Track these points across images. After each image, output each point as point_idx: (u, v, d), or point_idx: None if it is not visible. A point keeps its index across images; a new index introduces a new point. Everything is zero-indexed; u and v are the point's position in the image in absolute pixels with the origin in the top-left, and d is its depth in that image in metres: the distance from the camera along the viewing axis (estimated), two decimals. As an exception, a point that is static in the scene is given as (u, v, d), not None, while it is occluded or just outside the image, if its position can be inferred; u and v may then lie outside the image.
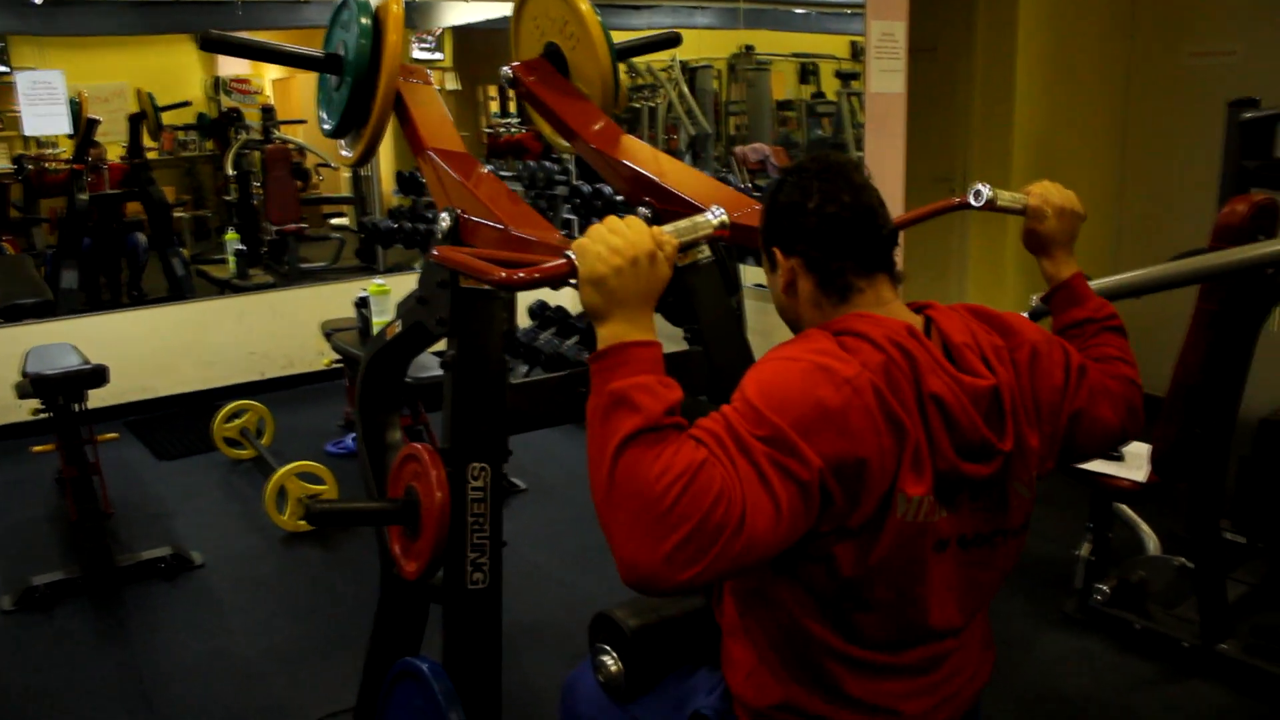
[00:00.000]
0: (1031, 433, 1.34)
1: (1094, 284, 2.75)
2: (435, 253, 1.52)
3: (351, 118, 2.10)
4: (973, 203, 1.63)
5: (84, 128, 6.33)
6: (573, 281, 1.23)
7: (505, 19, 7.70)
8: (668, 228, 1.29)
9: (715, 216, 1.34)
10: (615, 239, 1.21)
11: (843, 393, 1.17)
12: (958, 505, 1.29)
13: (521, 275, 1.28)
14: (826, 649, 1.31)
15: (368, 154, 2.12)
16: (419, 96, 2.17)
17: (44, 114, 5.32)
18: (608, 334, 1.20)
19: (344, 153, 2.22)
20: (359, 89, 2.05)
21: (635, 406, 1.14)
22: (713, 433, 1.16)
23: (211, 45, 2.07)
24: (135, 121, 7.18)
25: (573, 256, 1.22)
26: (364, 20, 2.02)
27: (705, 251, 2.12)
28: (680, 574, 1.08)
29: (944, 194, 5.19)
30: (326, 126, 2.19)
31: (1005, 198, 1.63)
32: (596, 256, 1.20)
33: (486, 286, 1.86)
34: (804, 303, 1.35)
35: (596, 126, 2.16)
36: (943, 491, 1.26)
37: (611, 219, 1.24)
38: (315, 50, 2.17)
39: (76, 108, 6.14)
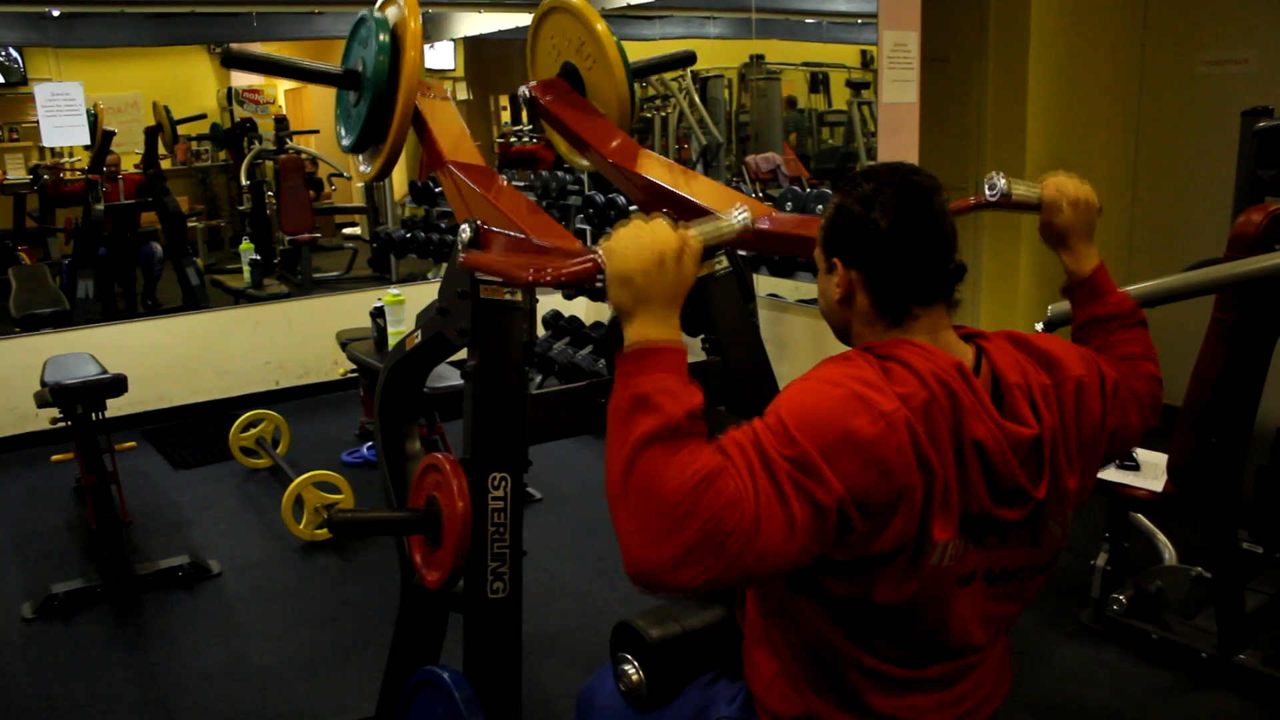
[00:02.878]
0: (1071, 476, 1.31)
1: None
2: (462, 258, 1.54)
3: (370, 134, 2.12)
4: (988, 195, 1.59)
5: (100, 139, 6.38)
6: (600, 281, 1.24)
7: (517, 29, 7.68)
8: (692, 228, 1.29)
9: (739, 218, 1.35)
10: (642, 237, 1.21)
11: (877, 426, 1.16)
12: (987, 543, 1.28)
13: (549, 273, 1.29)
14: (849, 661, 1.31)
15: (386, 169, 2.14)
16: (437, 111, 2.19)
17: (63, 125, 5.35)
18: (634, 334, 1.21)
19: (362, 168, 2.24)
20: (377, 105, 2.07)
21: (657, 408, 1.14)
22: (739, 444, 1.16)
23: (232, 61, 2.09)
24: (151, 134, 7.23)
25: (599, 256, 1.23)
26: (382, 37, 2.04)
27: (723, 261, 2.13)
28: (683, 576, 1.09)
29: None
30: (345, 142, 2.21)
31: (1020, 190, 1.60)
32: (623, 255, 1.20)
33: (508, 296, 1.88)
34: (858, 317, 1.32)
35: (615, 143, 2.17)
36: (971, 530, 1.25)
37: (636, 219, 1.24)
38: (334, 66, 2.19)
39: (93, 119, 6.18)
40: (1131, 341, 1.58)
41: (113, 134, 6.57)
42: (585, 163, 2.37)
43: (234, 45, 2.13)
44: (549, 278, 1.28)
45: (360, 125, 2.10)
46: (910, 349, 1.25)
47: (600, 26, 2.24)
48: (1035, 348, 1.36)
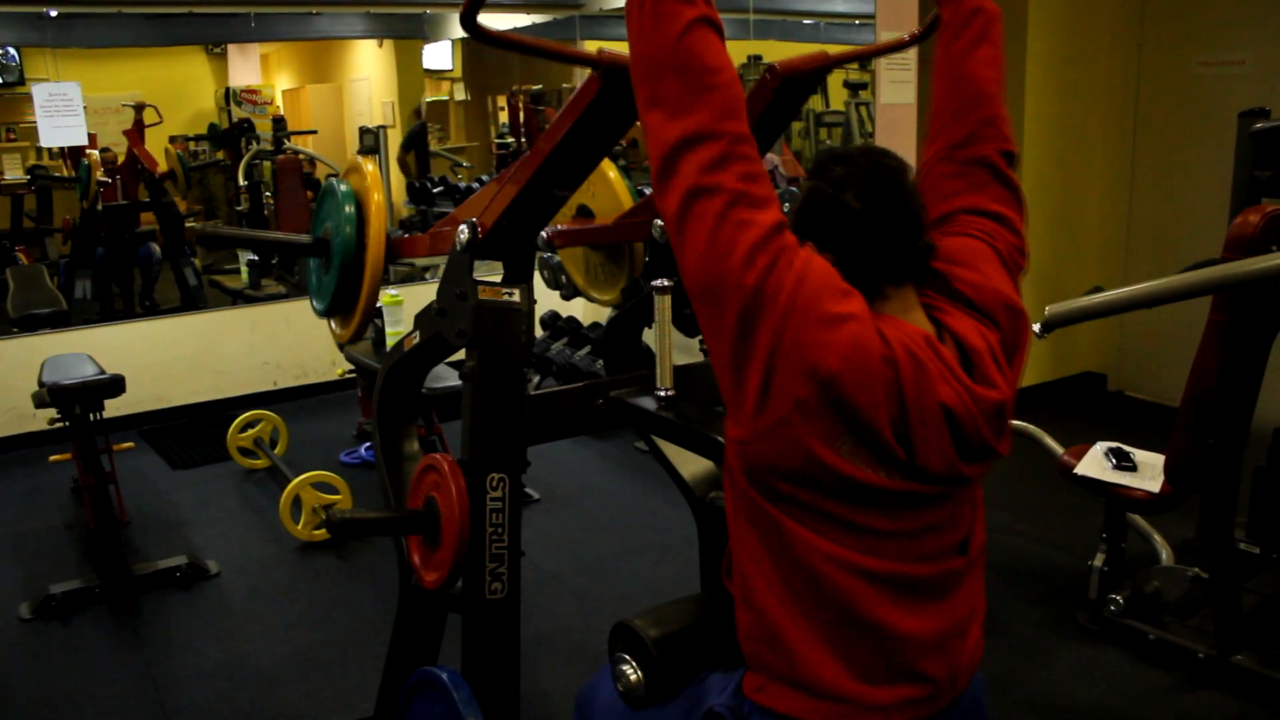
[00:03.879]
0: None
1: (1107, 295, 2.78)
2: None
3: (341, 299, 2.23)
4: None
5: (94, 189, 6.57)
6: None
7: (515, 29, 7.68)
8: None
9: None
10: None
11: (849, 308, 1.23)
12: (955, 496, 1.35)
13: None
14: (837, 562, 1.30)
15: (359, 333, 2.28)
16: (401, 237, 2.32)
17: (61, 126, 5.35)
18: None
19: (336, 330, 2.35)
20: (346, 272, 2.17)
21: (699, 4, 1.24)
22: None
23: (206, 240, 2.21)
24: (160, 180, 7.24)
25: None
26: (348, 209, 2.16)
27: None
28: (698, 119, 1.22)
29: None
30: (317, 307, 2.33)
31: None
32: None
33: (505, 297, 1.88)
34: None
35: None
36: (939, 482, 1.30)
37: None
38: (303, 236, 2.31)
39: (86, 170, 6.31)
40: (974, 72, 1.56)
41: (108, 183, 6.75)
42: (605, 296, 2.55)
43: (207, 226, 2.32)
44: None
45: (331, 293, 2.22)
46: (882, 320, 1.28)
47: (612, 174, 2.44)
48: (973, 302, 1.38)
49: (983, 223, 1.49)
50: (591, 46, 6.71)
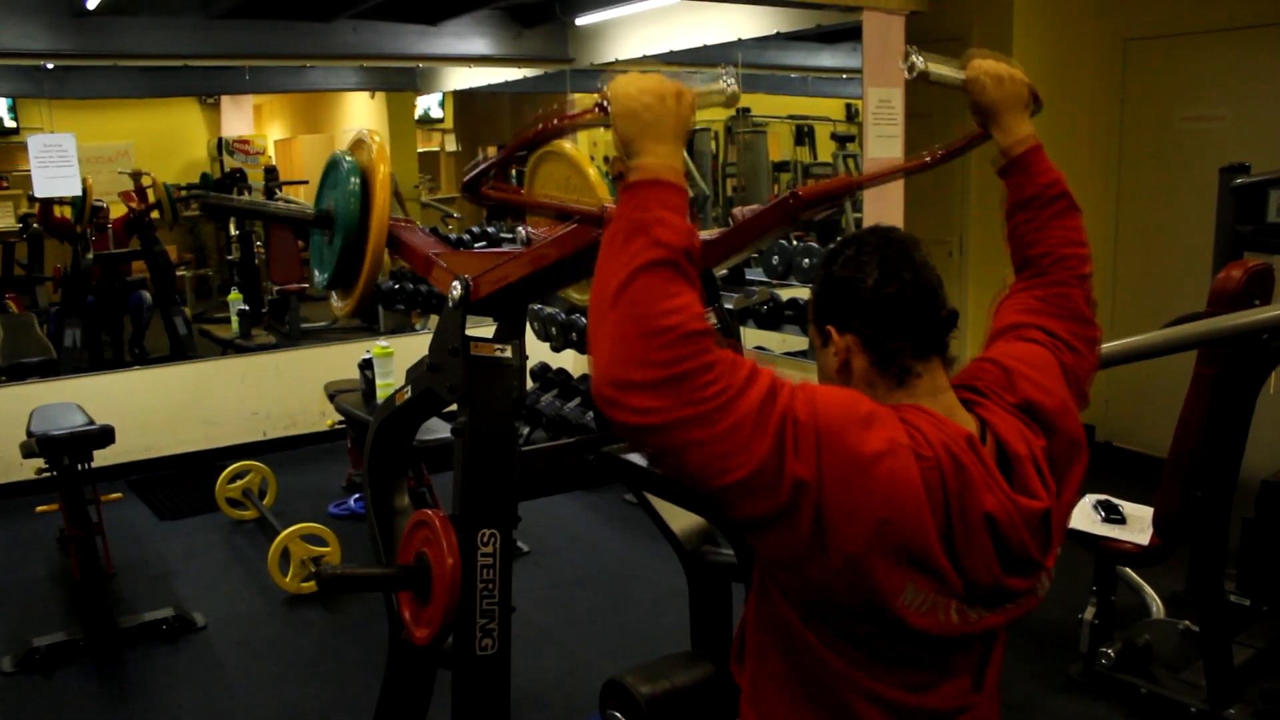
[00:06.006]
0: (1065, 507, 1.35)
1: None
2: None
3: (343, 273, 2.21)
4: (906, 75, 1.55)
5: (88, 213, 6.57)
6: (606, 120, 1.27)
7: (505, 83, 7.75)
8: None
9: (728, 84, 1.39)
10: (643, 81, 1.26)
11: (880, 446, 1.17)
12: (1005, 611, 1.30)
13: (556, 121, 1.34)
14: (856, 688, 1.29)
15: (360, 306, 2.24)
16: (410, 230, 2.30)
17: (54, 176, 5.38)
18: (641, 165, 1.23)
19: (336, 304, 2.33)
20: (350, 245, 2.16)
21: (658, 239, 1.16)
22: (755, 363, 1.19)
23: (210, 210, 2.20)
24: (144, 212, 7.27)
25: (604, 98, 1.26)
26: (354, 181, 2.14)
27: (711, 319, 2.15)
28: (643, 400, 1.11)
29: (942, 256, 5.26)
30: (319, 279, 2.32)
31: (940, 69, 1.55)
32: (626, 94, 1.24)
33: (498, 353, 1.89)
34: (857, 382, 1.32)
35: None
36: (982, 599, 1.26)
37: (632, 73, 1.29)
38: (308, 207, 2.30)
39: (82, 198, 6.35)
40: (1063, 232, 1.56)
41: (103, 207, 6.79)
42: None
43: (212, 195, 2.29)
44: (558, 121, 1.33)
45: (334, 265, 2.19)
46: (921, 415, 1.25)
47: (591, 172, 2.38)
48: (1023, 402, 1.35)
49: (1055, 342, 1.47)
50: (581, 99, 6.78)
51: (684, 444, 1.13)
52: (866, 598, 1.20)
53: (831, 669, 1.29)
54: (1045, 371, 1.40)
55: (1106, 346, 2.76)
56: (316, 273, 2.32)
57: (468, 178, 1.50)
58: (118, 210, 7.35)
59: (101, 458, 3.78)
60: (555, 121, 1.35)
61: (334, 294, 2.31)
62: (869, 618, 1.22)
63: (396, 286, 6.71)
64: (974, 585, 1.23)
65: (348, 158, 2.19)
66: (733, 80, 1.40)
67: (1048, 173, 1.59)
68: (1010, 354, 1.41)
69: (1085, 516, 3.06)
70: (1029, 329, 1.47)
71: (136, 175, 7.29)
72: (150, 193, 7.43)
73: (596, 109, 1.27)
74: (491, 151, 8.52)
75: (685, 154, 7.13)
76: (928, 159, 1.73)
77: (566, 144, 2.42)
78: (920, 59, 1.52)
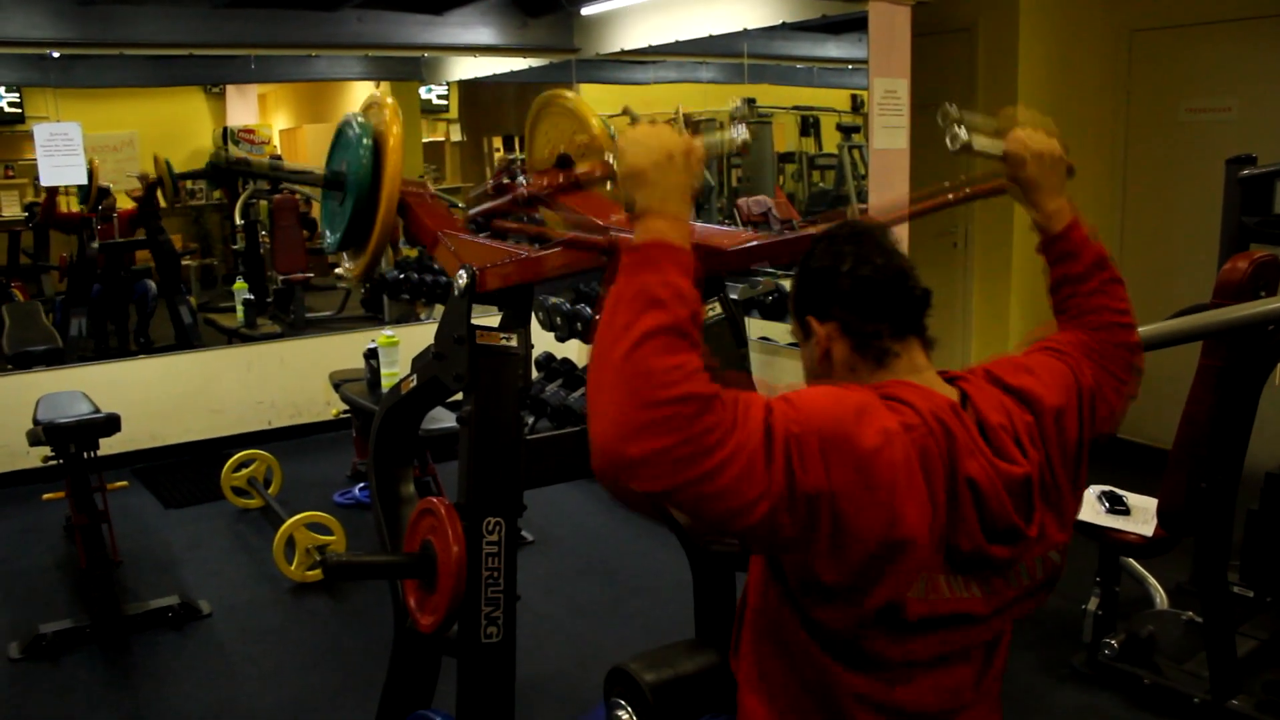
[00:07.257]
0: (1063, 503, 1.35)
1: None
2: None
3: (354, 234, 2.19)
4: (949, 145, 1.56)
5: (94, 194, 6.58)
6: (612, 180, 1.28)
7: (511, 73, 7.70)
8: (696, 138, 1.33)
9: (739, 135, 1.39)
10: (650, 139, 1.25)
11: (876, 440, 1.18)
12: (992, 586, 1.30)
13: (561, 179, 1.33)
14: (849, 693, 1.30)
15: (370, 269, 2.22)
16: (420, 198, 2.26)
17: (61, 165, 5.38)
18: (646, 229, 1.22)
19: (346, 265, 2.31)
20: (361, 207, 2.14)
21: (664, 305, 1.16)
22: (745, 394, 1.18)
23: (221, 171, 2.17)
24: (151, 189, 7.28)
25: (611, 159, 1.26)
26: (365, 142, 2.12)
27: (716, 309, 2.16)
28: (640, 447, 1.10)
29: (947, 248, 5.25)
30: (330, 240, 2.29)
31: (981, 143, 1.56)
32: (633, 154, 1.24)
33: (503, 342, 1.90)
34: (839, 369, 1.35)
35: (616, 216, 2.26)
36: (963, 566, 1.27)
37: (642, 125, 1.28)
38: (318, 169, 2.27)
39: (89, 172, 6.35)
40: (1107, 304, 1.58)
41: (108, 191, 6.81)
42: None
43: (223, 156, 2.26)
44: (560, 181, 1.32)
45: (345, 226, 2.17)
46: (905, 387, 1.28)
47: (595, 122, 2.32)
48: (1013, 386, 1.38)
49: (1080, 369, 1.48)
50: (587, 89, 6.72)
51: (697, 498, 1.13)
52: (880, 593, 1.21)
53: (829, 672, 1.30)
54: (1053, 376, 1.43)
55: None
56: (328, 234, 2.29)
57: (473, 211, 1.51)
58: (124, 204, 7.36)
59: (107, 446, 3.80)
60: (562, 180, 1.34)
61: (344, 255, 2.29)
62: (877, 619, 1.23)
63: (401, 276, 6.71)
64: (954, 550, 1.25)
65: (359, 118, 2.17)
66: (744, 129, 1.41)
67: (1089, 249, 1.59)
68: (1026, 357, 1.46)
69: (1090, 507, 3.06)
70: (1058, 350, 1.50)
71: (144, 177, 7.28)
72: (152, 170, 7.42)
73: (604, 166, 1.26)
74: (497, 143, 8.50)
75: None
76: (969, 191, 1.77)
77: (568, 93, 2.37)
78: (963, 129, 1.53)
